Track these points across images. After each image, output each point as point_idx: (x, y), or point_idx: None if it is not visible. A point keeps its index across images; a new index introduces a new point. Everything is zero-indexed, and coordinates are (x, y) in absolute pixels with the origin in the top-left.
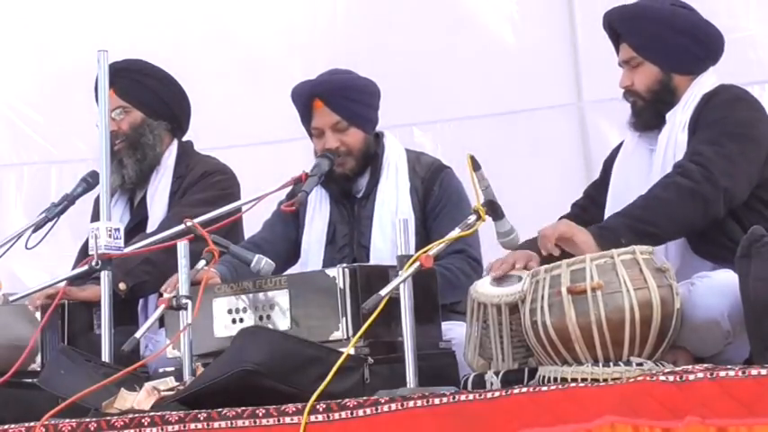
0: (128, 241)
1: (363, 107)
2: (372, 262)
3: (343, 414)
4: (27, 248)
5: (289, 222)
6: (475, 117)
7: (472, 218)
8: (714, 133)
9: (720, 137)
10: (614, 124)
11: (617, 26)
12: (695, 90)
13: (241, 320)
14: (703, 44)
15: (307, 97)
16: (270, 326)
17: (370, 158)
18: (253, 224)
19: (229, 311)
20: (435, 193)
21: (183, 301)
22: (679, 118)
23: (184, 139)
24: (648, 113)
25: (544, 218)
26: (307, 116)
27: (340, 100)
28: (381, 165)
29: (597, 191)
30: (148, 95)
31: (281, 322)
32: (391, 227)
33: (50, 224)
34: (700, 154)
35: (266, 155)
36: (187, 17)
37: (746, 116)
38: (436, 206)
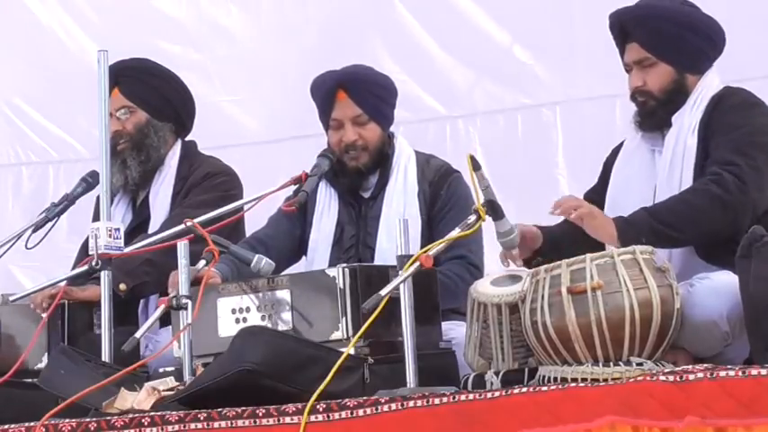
0: (129, 241)
1: (384, 103)
2: (377, 263)
3: (343, 414)
4: (27, 248)
5: (294, 219)
6: (475, 114)
7: (472, 218)
8: (739, 142)
9: (747, 146)
10: (610, 123)
11: (628, 26)
12: (702, 91)
13: (245, 320)
14: (713, 42)
15: (331, 87)
16: (271, 325)
17: (383, 157)
18: (253, 224)
19: (233, 311)
20: (442, 197)
21: (183, 301)
22: (687, 121)
23: (188, 138)
24: (660, 114)
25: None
26: (327, 107)
27: (364, 93)
28: (391, 166)
29: (597, 194)
30: (154, 96)
31: (283, 322)
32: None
33: (50, 224)
34: (735, 164)
35: (266, 155)
36: (187, 17)
37: (764, 122)
38: (442, 210)
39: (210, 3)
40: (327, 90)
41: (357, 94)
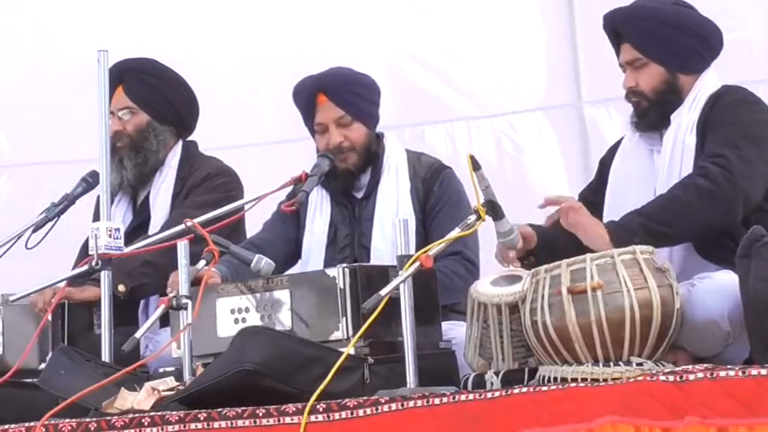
0: (130, 242)
1: (366, 103)
2: (373, 262)
3: (344, 414)
4: (27, 248)
5: (288, 223)
6: (498, 115)
7: (472, 218)
8: (730, 135)
9: (738, 139)
10: (614, 124)
11: (620, 27)
12: (700, 90)
13: (244, 320)
14: (707, 43)
15: (310, 92)
16: (271, 326)
17: (373, 156)
18: (252, 225)
19: (232, 311)
20: (435, 193)
21: (183, 301)
22: (685, 120)
23: (190, 138)
24: (654, 114)
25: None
26: (310, 112)
27: (344, 94)
28: (382, 165)
29: (593, 193)
30: (157, 98)
31: (282, 322)
32: (392, 227)
33: (50, 224)
34: (721, 156)
35: (266, 155)
36: (188, 17)
37: (759, 118)
38: (436, 206)
39: (212, 3)
40: (307, 95)
41: (336, 95)
